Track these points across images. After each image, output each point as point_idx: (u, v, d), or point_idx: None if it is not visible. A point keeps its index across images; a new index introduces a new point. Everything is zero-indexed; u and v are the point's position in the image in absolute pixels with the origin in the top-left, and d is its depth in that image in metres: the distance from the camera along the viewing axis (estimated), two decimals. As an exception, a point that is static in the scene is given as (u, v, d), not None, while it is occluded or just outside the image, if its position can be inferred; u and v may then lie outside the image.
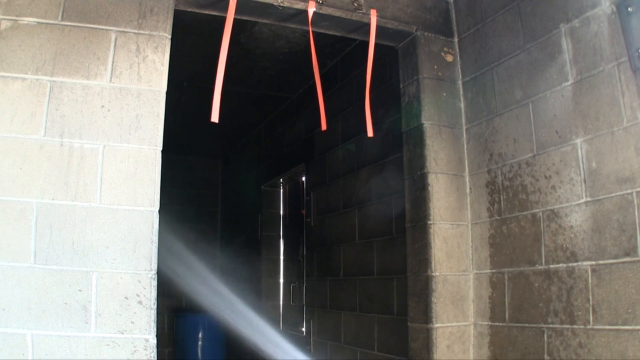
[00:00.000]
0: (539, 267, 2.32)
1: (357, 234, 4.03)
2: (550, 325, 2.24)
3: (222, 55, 2.33)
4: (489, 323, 2.59)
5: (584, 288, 2.11)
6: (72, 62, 2.16)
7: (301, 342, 4.92)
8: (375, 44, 2.73)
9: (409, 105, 2.93)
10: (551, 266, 2.27)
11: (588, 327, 2.07)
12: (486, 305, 2.62)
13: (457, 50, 2.94)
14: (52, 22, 2.17)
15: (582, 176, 2.15)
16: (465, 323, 2.68)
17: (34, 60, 2.12)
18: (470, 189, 2.79)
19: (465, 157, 2.83)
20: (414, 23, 2.88)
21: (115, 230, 2.10)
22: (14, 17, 2.13)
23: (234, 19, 2.45)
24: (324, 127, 2.71)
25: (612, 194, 2.02)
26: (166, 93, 2.27)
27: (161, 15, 2.32)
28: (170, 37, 2.33)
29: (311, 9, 2.61)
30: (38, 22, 2.15)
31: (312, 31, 2.66)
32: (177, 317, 6.84)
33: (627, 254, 1.95)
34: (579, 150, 2.17)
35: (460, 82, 2.90)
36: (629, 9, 1.98)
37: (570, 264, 2.18)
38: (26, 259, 1.99)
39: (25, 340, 1.94)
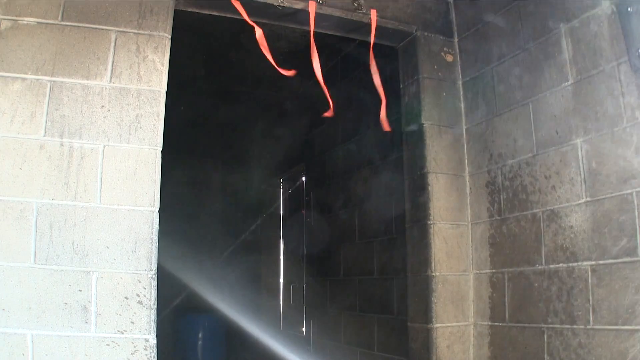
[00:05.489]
0: (539, 267, 2.32)
1: (357, 234, 4.03)
2: (550, 325, 2.24)
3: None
4: (489, 323, 2.59)
5: (584, 288, 2.11)
6: (72, 62, 2.16)
7: (301, 342, 4.92)
8: (376, 44, 2.73)
9: (409, 105, 2.93)
10: (551, 266, 2.27)
11: (588, 327, 2.07)
12: (486, 305, 2.62)
13: (457, 50, 2.94)
14: (52, 22, 2.17)
15: (582, 176, 2.15)
16: (465, 323, 2.68)
17: (34, 60, 2.12)
18: (470, 189, 2.79)
19: (465, 157, 2.83)
20: (414, 23, 2.88)
21: (115, 230, 2.10)
22: (14, 17, 2.13)
23: (234, 18, 2.45)
24: (330, 109, 2.62)
25: (612, 194, 2.02)
26: (166, 93, 2.27)
27: (161, 15, 2.32)
28: (170, 37, 2.33)
29: (311, 9, 2.61)
30: (38, 22, 2.15)
31: (312, 31, 2.66)
32: (177, 317, 6.84)
33: (627, 254, 1.95)
34: (579, 150, 2.17)
35: (460, 82, 2.90)
36: (629, 9, 1.97)
37: (570, 264, 2.18)
38: (26, 259, 1.99)
39: (25, 340, 1.94)
